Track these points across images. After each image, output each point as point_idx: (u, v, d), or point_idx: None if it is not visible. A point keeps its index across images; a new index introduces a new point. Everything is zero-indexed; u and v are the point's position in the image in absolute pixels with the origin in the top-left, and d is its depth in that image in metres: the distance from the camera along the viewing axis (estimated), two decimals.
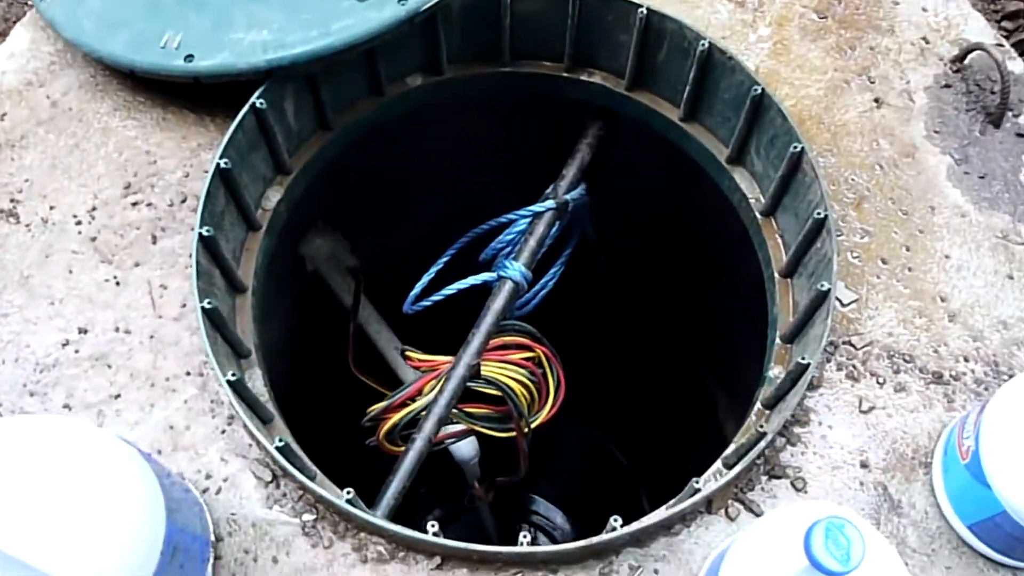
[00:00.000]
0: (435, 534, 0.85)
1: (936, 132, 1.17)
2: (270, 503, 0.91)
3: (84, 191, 1.09)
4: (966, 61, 1.21)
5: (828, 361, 1.00)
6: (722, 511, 0.92)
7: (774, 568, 0.72)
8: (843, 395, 0.99)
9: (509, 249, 1.31)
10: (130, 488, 0.73)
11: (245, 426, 0.93)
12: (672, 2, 1.24)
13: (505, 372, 1.24)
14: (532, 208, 1.30)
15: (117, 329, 1.00)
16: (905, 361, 1.01)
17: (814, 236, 1.02)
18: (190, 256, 0.96)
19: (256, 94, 1.05)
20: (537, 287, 1.35)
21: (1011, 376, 1.00)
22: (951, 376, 1.00)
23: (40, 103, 1.15)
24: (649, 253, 1.78)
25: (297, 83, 1.10)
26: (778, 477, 0.94)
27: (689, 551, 0.90)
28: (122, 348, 0.99)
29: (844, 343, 1.02)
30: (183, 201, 1.08)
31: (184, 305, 1.01)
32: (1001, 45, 1.24)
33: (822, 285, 0.95)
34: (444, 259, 1.34)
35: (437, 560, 0.88)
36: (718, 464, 0.95)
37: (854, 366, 1.00)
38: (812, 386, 0.98)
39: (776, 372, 1.03)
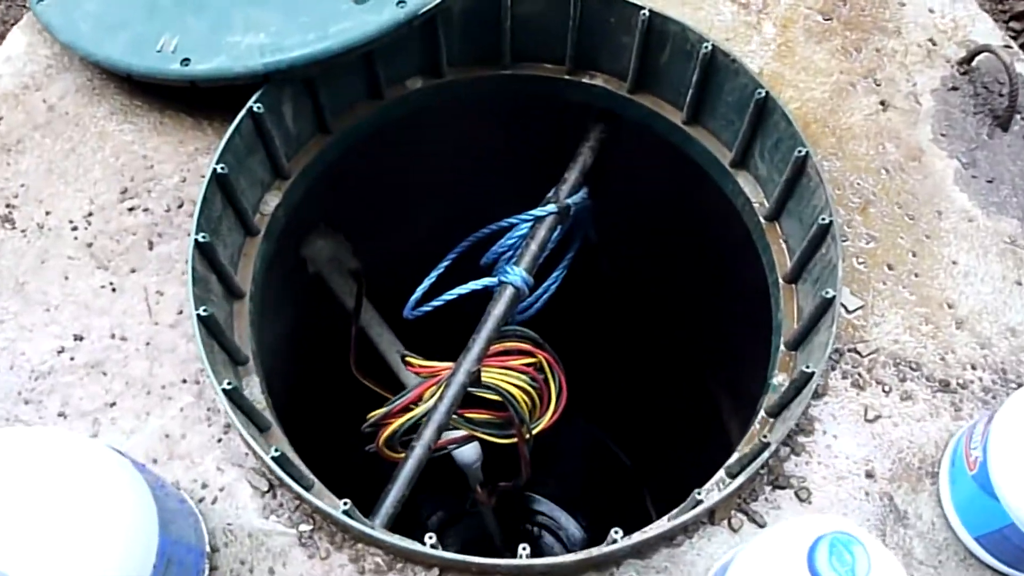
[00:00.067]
0: (433, 546, 0.84)
1: (943, 135, 1.16)
2: (267, 513, 0.90)
3: (80, 196, 1.08)
4: (974, 63, 1.20)
5: (833, 369, 0.99)
6: (725, 522, 0.90)
7: None
8: (848, 404, 0.97)
9: (510, 254, 1.29)
10: (122, 500, 0.72)
11: (241, 435, 0.91)
12: (675, 4, 1.22)
13: (506, 378, 1.23)
14: (533, 212, 1.29)
15: (113, 336, 0.99)
16: (911, 369, 0.99)
17: (819, 242, 1.00)
18: (187, 262, 0.95)
19: (253, 98, 1.04)
20: (539, 291, 1.34)
21: (1020, 384, 0.99)
22: (958, 384, 0.98)
23: (36, 107, 1.14)
24: (652, 256, 1.77)
25: (295, 86, 1.09)
26: (782, 487, 0.92)
27: (691, 563, 0.88)
28: (118, 355, 0.98)
29: (849, 350, 1.00)
30: (180, 206, 1.07)
31: (181, 312, 1.00)
32: (1009, 47, 1.23)
33: (827, 292, 0.94)
34: (444, 264, 1.33)
35: (435, 572, 0.87)
36: (721, 473, 0.94)
37: (859, 374, 0.99)
38: (817, 394, 0.97)
39: (780, 379, 1.02)
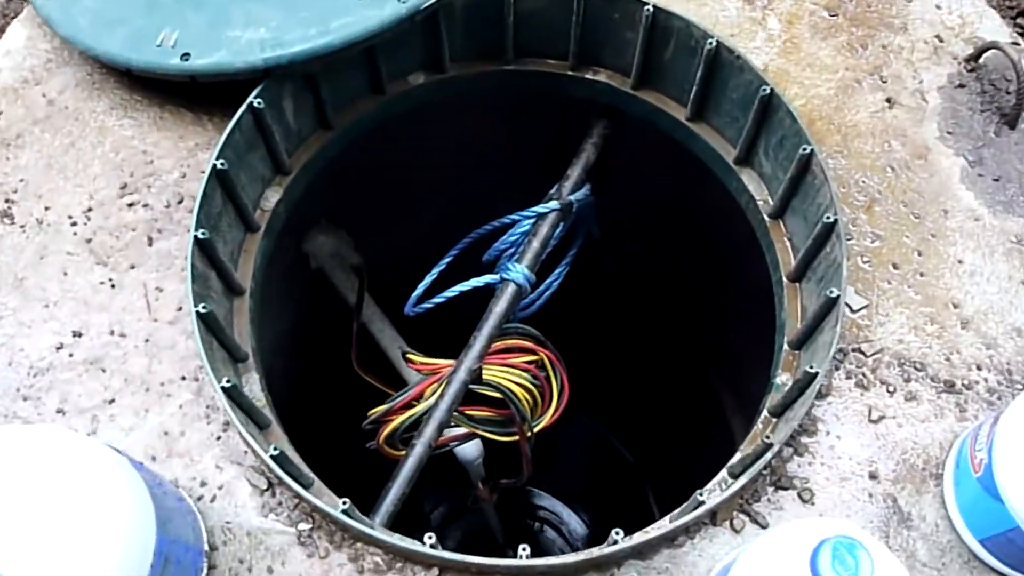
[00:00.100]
0: (432, 546, 0.83)
1: (949, 133, 1.14)
2: (266, 511, 0.90)
3: (80, 191, 1.07)
4: (981, 60, 1.18)
5: (837, 369, 0.98)
6: (727, 523, 0.90)
7: None
8: (852, 404, 0.96)
9: (512, 250, 1.29)
10: (119, 499, 0.72)
11: (240, 434, 0.91)
12: None
13: (507, 376, 1.23)
14: (536, 209, 1.28)
15: (112, 333, 0.99)
16: (916, 369, 0.98)
17: (823, 240, 0.99)
18: (186, 259, 0.94)
19: (254, 93, 1.03)
20: (541, 288, 1.33)
21: None
22: (963, 385, 0.98)
23: (36, 101, 1.13)
24: (655, 253, 1.76)
25: (296, 82, 1.08)
26: (785, 488, 0.92)
27: (693, 564, 0.88)
28: (117, 352, 0.97)
29: (853, 350, 0.99)
30: (180, 202, 1.07)
31: (180, 308, 1.00)
32: (1017, 44, 1.21)
33: (831, 291, 0.93)
34: (446, 260, 1.32)
35: (435, 572, 0.86)
36: (723, 473, 0.93)
37: (863, 374, 0.98)
38: (820, 395, 0.96)
39: (783, 379, 1.01)
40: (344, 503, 0.85)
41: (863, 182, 1.10)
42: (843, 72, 1.19)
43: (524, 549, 0.83)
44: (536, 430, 1.27)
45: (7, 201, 1.06)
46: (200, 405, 0.95)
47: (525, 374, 1.24)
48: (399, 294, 1.32)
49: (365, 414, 1.24)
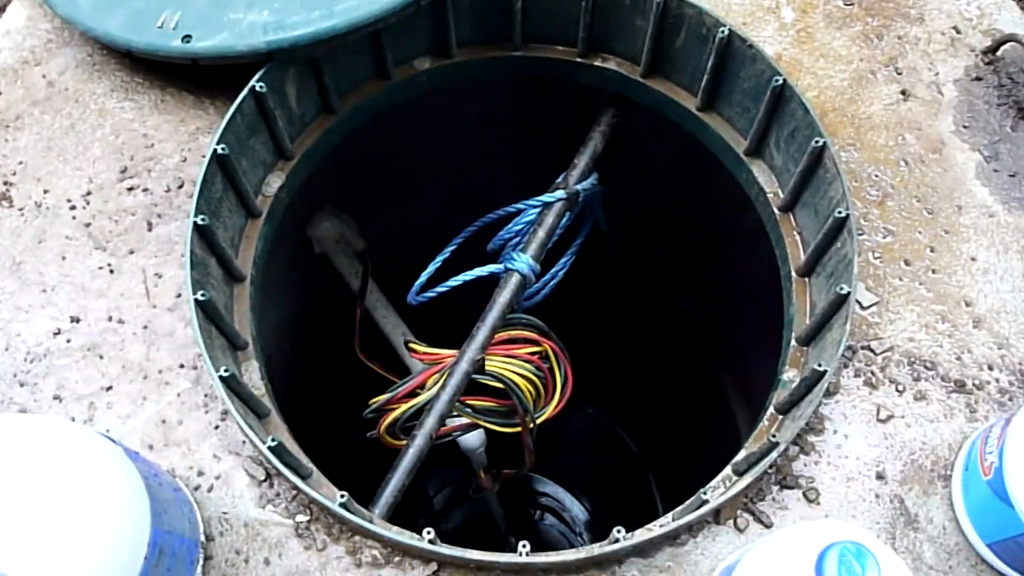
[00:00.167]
0: (431, 541, 0.82)
1: (965, 127, 1.12)
2: (263, 502, 0.89)
3: (79, 174, 1.05)
4: (998, 53, 1.16)
5: (845, 367, 0.96)
6: (730, 521, 0.88)
7: None
8: (860, 403, 0.95)
9: (517, 240, 1.27)
10: (113, 490, 0.71)
11: (238, 424, 0.90)
12: None
13: (510, 367, 1.21)
14: (542, 198, 1.26)
15: (110, 319, 0.97)
16: (926, 368, 0.97)
17: (834, 236, 0.97)
18: (185, 245, 0.93)
19: (256, 77, 1.01)
20: (546, 278, 1.32)
21: None
22: (974, 385, 0.96)
23: (36, 82, 1.11)
24: (662, 245, 1.74)
25: (299, 66, 1.06)
26: (790, 487, 0.90)
27: (695, 562, 0.86)
28: (115, 339, 0.96)
29: (863, 348, 0.98)
30: (180, 186, 1.05)
31: (179, 295, 0.98)
32: None
33: (841, 288, 0.91)
34: (450, 249, 1.31)
35: (433, 566, 0.85)
36: (728, 471, 0.92)
37: (872, 372, 0.96)
38: (828, 393, 0.95)
39: (791, 375, 0.99)
40: (342, 496, 0.84)
41: (876, 176, 1.08)
42: (857, 63, 1.16)
43: (524, 545, 0.82)
44: (539, 422, 1.25)
45: (5, 183, 1.05)
46: (198, 394, 0.94)
47: (528, 365, 1.22)
48: (402, 283, 1.31)
49: (367, 400, 1.22)
